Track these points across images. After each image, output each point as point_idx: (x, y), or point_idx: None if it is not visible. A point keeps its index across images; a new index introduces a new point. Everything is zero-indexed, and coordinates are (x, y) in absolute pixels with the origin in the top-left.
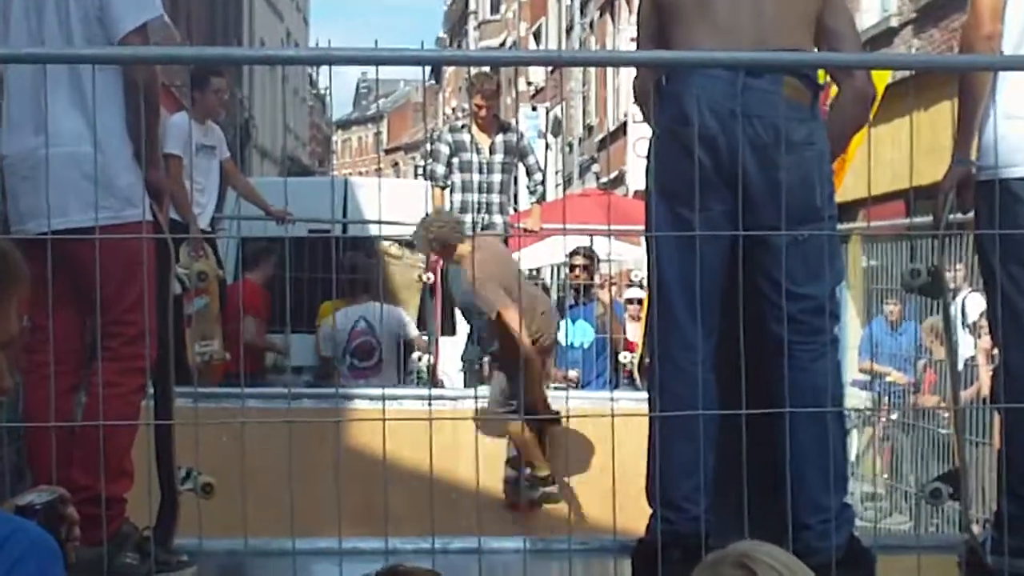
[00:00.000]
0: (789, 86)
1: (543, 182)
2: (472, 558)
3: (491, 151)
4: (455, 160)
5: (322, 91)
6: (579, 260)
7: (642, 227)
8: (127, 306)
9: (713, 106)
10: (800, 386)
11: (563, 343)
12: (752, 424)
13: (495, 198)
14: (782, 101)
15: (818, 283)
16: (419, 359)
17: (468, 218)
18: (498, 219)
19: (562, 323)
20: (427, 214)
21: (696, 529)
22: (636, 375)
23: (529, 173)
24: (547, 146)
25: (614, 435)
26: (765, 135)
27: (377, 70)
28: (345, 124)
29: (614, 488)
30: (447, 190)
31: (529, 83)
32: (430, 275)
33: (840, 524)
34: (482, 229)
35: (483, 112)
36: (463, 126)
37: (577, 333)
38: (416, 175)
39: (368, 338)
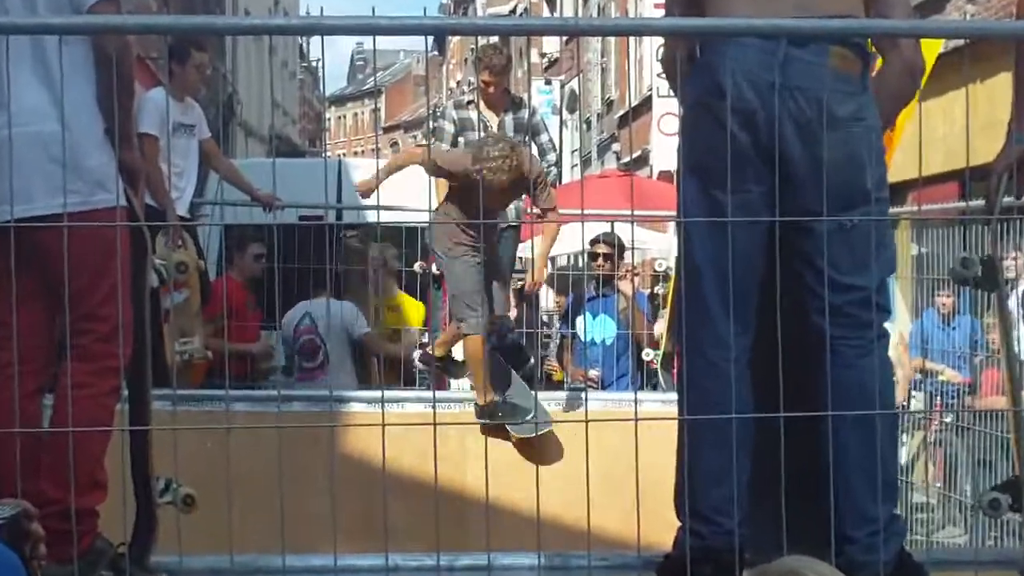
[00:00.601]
0: (836, 56)
1: (558, 163)
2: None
3: (500, 129)
4: (460, 140)
5: (314, 64)
6: (601, 248)
7: (667, 212)
8: (99, 300)
9: (751, 78)
10: (845, 385)
11: (582, 339)
12: (792, 427)
13: None
14: (828, 72)
15: (866, 273)
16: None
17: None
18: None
19: (579, 318)
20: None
21: (729, 543)
22: (660, 373)
23: (542, 153)
24: (562, 123)
25: (638, 440)
26: (809, 109)
27: (375, 40)
28: (339, 100)
29: (638, 498)
30: None
31: (542, 54)
32: (423, 264)
33: (889, 537)
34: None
35: (491, 89)
36: (469, 102)
37: (598, 328)
38: None
39: (312, 336)
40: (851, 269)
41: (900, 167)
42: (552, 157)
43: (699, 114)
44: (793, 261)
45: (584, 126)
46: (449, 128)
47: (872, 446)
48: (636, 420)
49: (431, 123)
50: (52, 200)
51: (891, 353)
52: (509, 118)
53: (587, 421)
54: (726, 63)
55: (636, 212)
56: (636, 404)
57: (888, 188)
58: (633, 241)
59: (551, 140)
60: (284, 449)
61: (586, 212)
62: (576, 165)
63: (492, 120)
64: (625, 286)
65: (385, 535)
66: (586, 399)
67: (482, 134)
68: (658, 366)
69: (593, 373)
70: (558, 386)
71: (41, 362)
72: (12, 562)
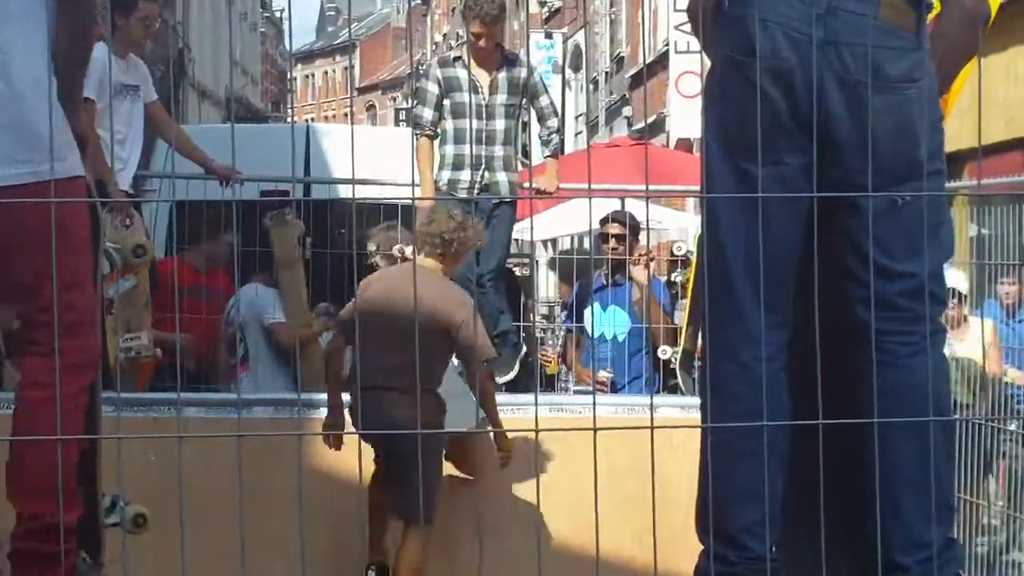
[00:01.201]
0: (887, 6)
1: (560, 129)
2: None
3: (492, 90)
4: (446, 103)
5: (277, 14)
6: (614, 229)
7: (688, 187)
8: (59, 287)
9: (789, 32)
10: (894, 388)
11: (590, 335)
12: (835, 438)
13: (497, 150)
14: (877, 26)
15: (919, 258)
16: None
17: (465, 176)
18: (502, 177)
19: (586, 311)
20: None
21: (760, 569)
22: (678, 374)
23: (542, 118)
24: (565, 83)
25: (654, 451)
26: (855, 68)
27: None
28: (307, 57)
29: (654, 518)
30: (436, 140)
31: (542, 3)
32: (405, 248)
33: (944, 563)
34: (481, 191)
35: (482, 42)
36: (456, 59)
37: (607, 322)
38: (397, 120)
39: (233, 329)
40: (902, 254)
41: (955, 135)
42: (554, 123)
43: (727, 73)
44: (835, 244)
45: (591, 87)
46: (433, 89)
47: (925, 460)
48: (652, 428)
49: (414, 83)
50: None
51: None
52: (503, 76)
53: (595, 429)
54: (758, 14)
55: (651, 187)
56: (652, 410)
57: (945, 160)
58: (648, 220)
59: (552, 104)
60: (244, 461)
61: (594, 187)
62: (581, 132)
63: (483, 79)
64: (639, 273)
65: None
66: (594, 404)
67: (471, 96)
68: (676, 366)
69: (603, 374)
70: (551, 381)
71: None
72: None
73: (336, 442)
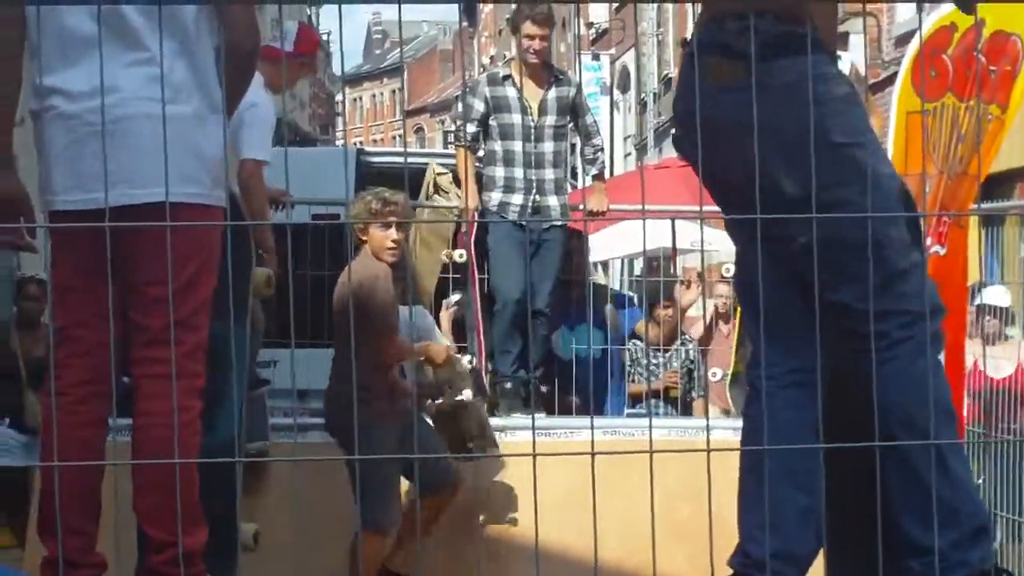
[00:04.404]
0: (709, 69)
1: (603, 149)
2: None
3: (541, 112)
4: (493, 122)
5: (324, 38)
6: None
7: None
8: (193, 308)
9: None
10: (870, 406)
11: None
12: (849, 456)
13: (547, 173)
14: (705, 88)
15: (851, 283)
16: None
17: (516, 200)
18: (553, 201)
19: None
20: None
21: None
22: (728, 394)
23: (586, 137)
24: (613, 105)
25: (710, 474)
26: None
27: (400, 8)
28: (354, 79)
29: (711, 540)
30: (478, 162)
31: (590, 24)
32: (462, 253)
33: (951, 567)
34: (532, 214)
35: (536, 45)
36: (506, 77)
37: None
38: (446, 143)
39: None
40: (831, 283)
41: (1008, 154)
42: (598, 142)
43: None
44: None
45: (639, 108)
46: (479, 107)
47: (910, 472)
48: (708, 451)
49: (461, 103)
50: (177, 188)
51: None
52: (552, 96)
53: (651, 452)
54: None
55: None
56: (708, 432)
57: (867, 132)
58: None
59: (596, 122)
60: (299, 486)
61: (647, 209)
62: (629, 154)
63: (532, 99)
64: (688, 294)
65: None
66: (651, 426)
67: (519, 118)
68: (727, 387)
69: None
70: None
71: (109, 384)
72: None
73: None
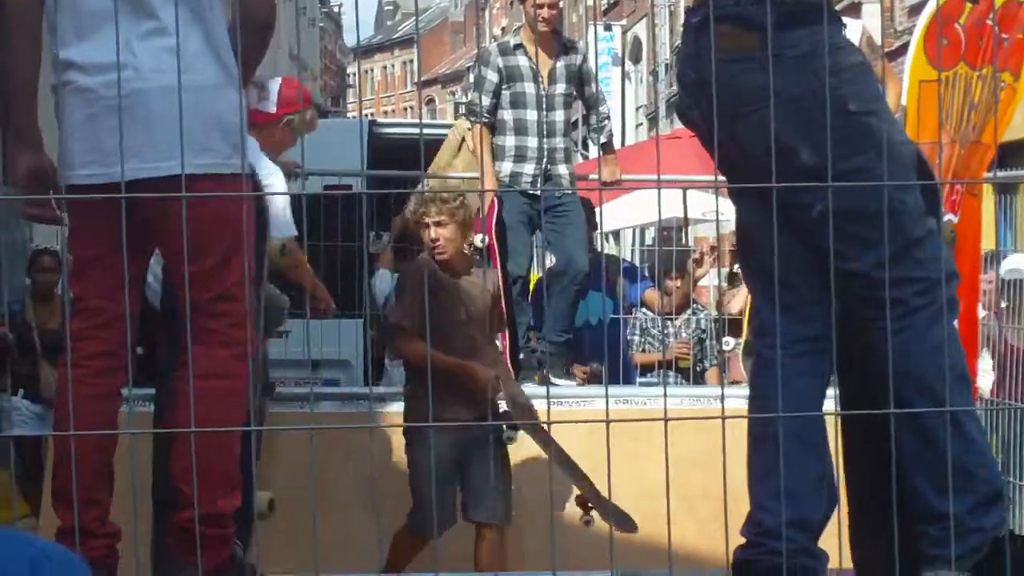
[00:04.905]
0: (722, 36)
1: (610, 117)
2: None
3: (551, 80)
4: (505, 92)
5: (335, 9)
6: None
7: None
8: (236, 279)
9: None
10: (885, 373)
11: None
12: (867, 423)
13: (558, 142)
14: (720, 58)
15: (870, 250)
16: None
17: (528, 169)
18: (563, 170)
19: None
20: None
21: (764, 546)
22: (741, 363)
23: (591, 106)
24: (625, 75)
25: (725, 442)
26: (718, 102)
27: None
28: (366, 51)
29: (726, 508)
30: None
31: None
32: (483, 238)
33: (967, 532)
34: (544, 182)
35: (545, 12)
36: (517, 46)
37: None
38: (457, 114)
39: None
40: (847, 252)
41: (1021, 122)
42: (605, 109)
43: None
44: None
45: (651, 79)
46: (492, 77)
47: (926, 438)
48: (723, 418)
49: (472, 75)
50: (195, 159)
51: None
52: (561, 65)
53: (666, 420)
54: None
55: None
56: (723, 400)
57: (877, 100)
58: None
59: (601, 91)
60: (316, 456)
61: (663, 178)
62: (641, 124)
63: (543, 66)
64: (699, 270)
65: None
66: (665, 395)
67: (532, 87)
68: (740, 356)
69: (595, 366)
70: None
71: (126, 356)
72: (82, 567)
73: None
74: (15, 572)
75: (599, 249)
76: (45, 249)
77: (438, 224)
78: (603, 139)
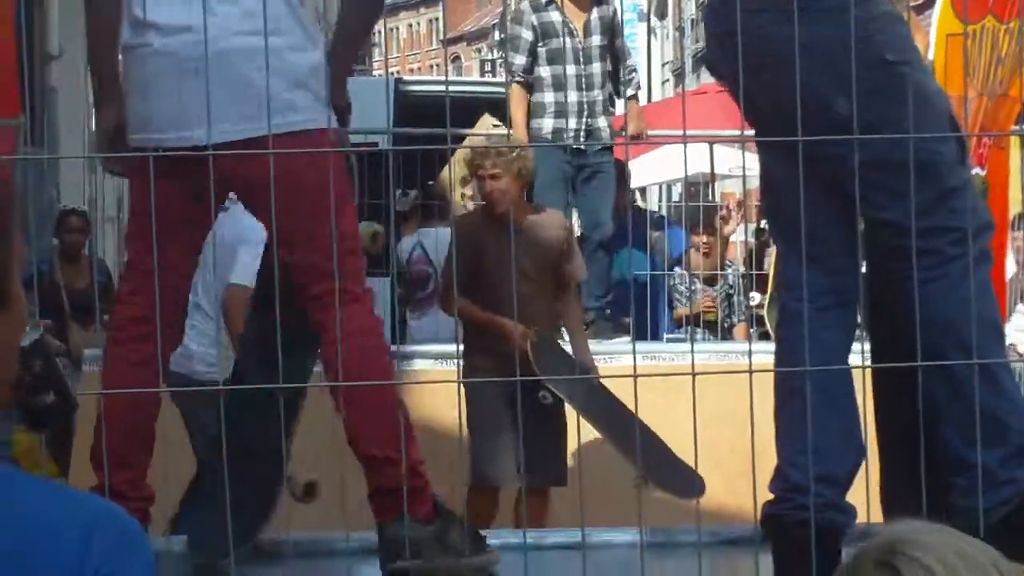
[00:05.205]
0: None
1: (636, 69)
2: (574, 556)
3: (586, 32)
4: (541, 49)
5: None
6: None
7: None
8: (351, 229)
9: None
10: (918, 323)
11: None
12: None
13: (596, 95)
14: (746, 8)
15: (898, 201)
16: None
17: (571, 124)
18: (602, 123)
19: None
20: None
21: (792, 502)
22: (767, 318)
23: (621, 58)
24: (650, 31)
25: (752, 397)
26: (745, 52)
27: None
28: (392, 9)
29: (754, 463)
30: (527, 88)
31: None
32: None
33: (996, 483)
34: (586, 137)
35: None
36: (549, 2)
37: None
38: (483, 71)
39: (423, 266)
40: (881, 202)
41: None
42: (632, 62)
43: None
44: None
45: (677, 34)
46: (527, 35)
47: (956, 388)
48: (751, 372)
49: (498, 32)
50: (281, 118)
51: None
52: (595, 16)
53: (693, 374)
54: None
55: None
56: (750, 356)
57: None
58: (744, 167)
59: (625, 44)
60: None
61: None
62: (667, 80)
63: (577, 21)
64: (727, 228)
65: (465, 511)
66: (692, 351)
67: (568, 41)
68: (765, 311)
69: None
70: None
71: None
72: (136, 525)
73: None
74: (69, 535)
75: (639, 205)
76: (73, 209)
77: (493, 177)
78: (631, 91)
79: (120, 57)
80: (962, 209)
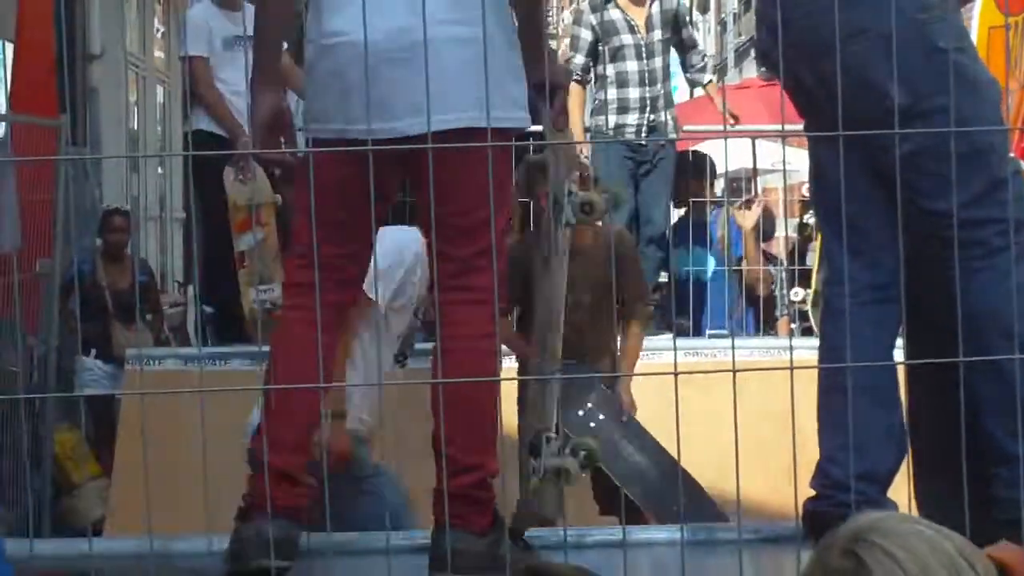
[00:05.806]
0: None
1: (706, 54)
2: (615, 553)
3: (648, 28)
4: (602, 49)
5: None
6: None
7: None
8: (499, 233)
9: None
10: (964, 316)
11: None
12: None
13: (659, 89)
14: None
15: (949, 191)
16: None
17: (631, 119)
18: (665, 116)
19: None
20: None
21: (833, 498)
22: (811, 314)
23: (687, 49)
24: (693, 26)
25: (793, 393)
26: (802, 40)
27: None
28: None
29: (795, 457)
30: (590, 86)
31: None
32: None
33: None
34: (648, 132)
35: None
36: (608, 1)
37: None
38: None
39: None
40: (932, 191)
41: None
42: (703, 49)
43: None
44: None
45: (719, 28)
46: (586, 36)
47: (1001, 380)
48: (791, 368)
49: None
50: (478, 112)
51: None
52: (655, 9)
53: (734, 371)
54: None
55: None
56: (791, 352)
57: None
58: (785, 162)
59: (694, 34)
60: (387, 413)
61: (728, 129)
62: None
63: (638, 18)
64: (747, 218)
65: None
66: (733, 347)
67: (629, 37)
68: (809, 307)
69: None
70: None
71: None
72: None
73: None
74: None
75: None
76: (116, 209)
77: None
78: (707, 78)
79: (306, 50)
80: (1008, 201)
